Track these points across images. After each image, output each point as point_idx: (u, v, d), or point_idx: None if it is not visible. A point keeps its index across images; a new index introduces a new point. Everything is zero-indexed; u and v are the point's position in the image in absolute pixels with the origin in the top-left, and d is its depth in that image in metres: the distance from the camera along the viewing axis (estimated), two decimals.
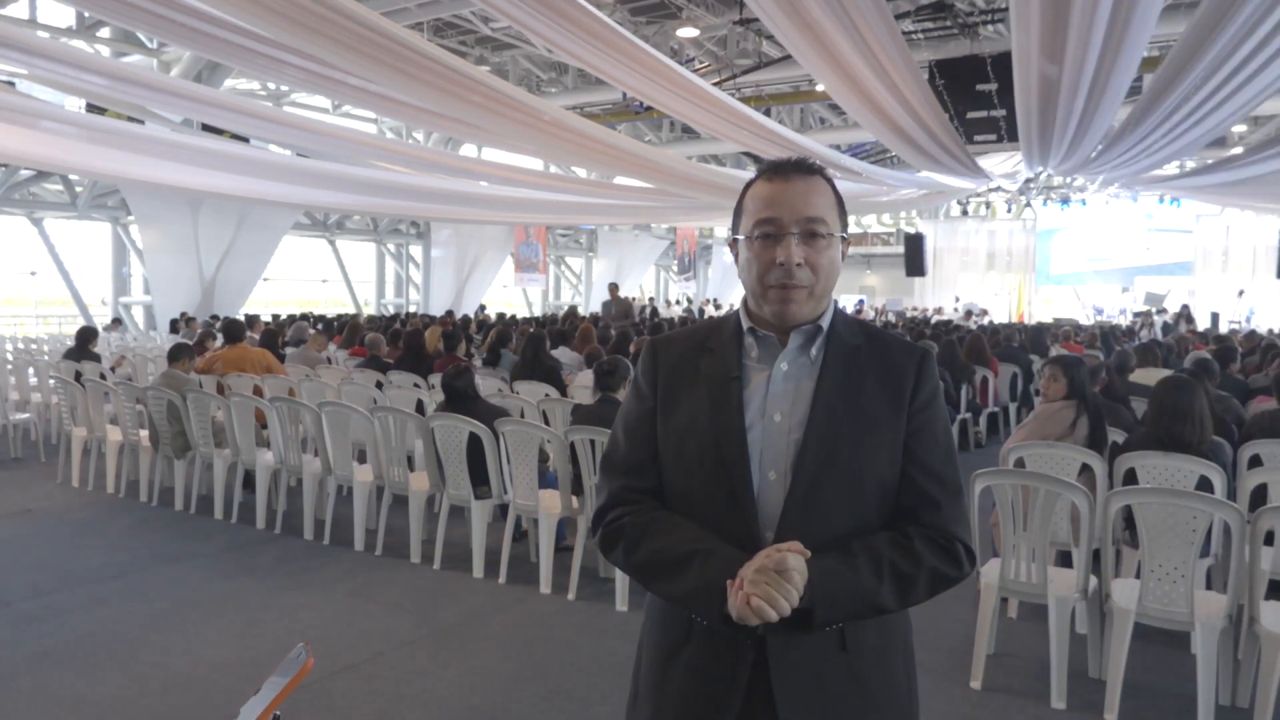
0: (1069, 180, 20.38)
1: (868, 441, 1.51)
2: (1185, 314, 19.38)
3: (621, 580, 4.67)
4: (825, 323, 1.57)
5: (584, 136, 8.96)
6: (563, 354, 9.44)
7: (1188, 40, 6.30)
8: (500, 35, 15.28)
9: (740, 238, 1.58)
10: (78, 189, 16.92)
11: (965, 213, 29.33)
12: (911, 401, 1.55)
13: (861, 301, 29.74)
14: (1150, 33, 6.52)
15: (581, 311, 25.88)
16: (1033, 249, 30.07)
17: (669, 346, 1.66)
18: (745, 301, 1.62)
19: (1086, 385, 4.59)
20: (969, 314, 24.59)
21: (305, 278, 23.45)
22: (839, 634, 1.49)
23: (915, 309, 26.75)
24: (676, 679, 1.56)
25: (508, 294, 28.03)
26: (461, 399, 5.39)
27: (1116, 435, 4.80)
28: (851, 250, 31.21)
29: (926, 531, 1.51)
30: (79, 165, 11.28)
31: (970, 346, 10.06)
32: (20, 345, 12.80)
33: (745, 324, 1.59)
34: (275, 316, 15.70)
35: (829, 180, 1.58)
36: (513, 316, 19.91)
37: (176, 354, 6.88)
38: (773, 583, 1.36)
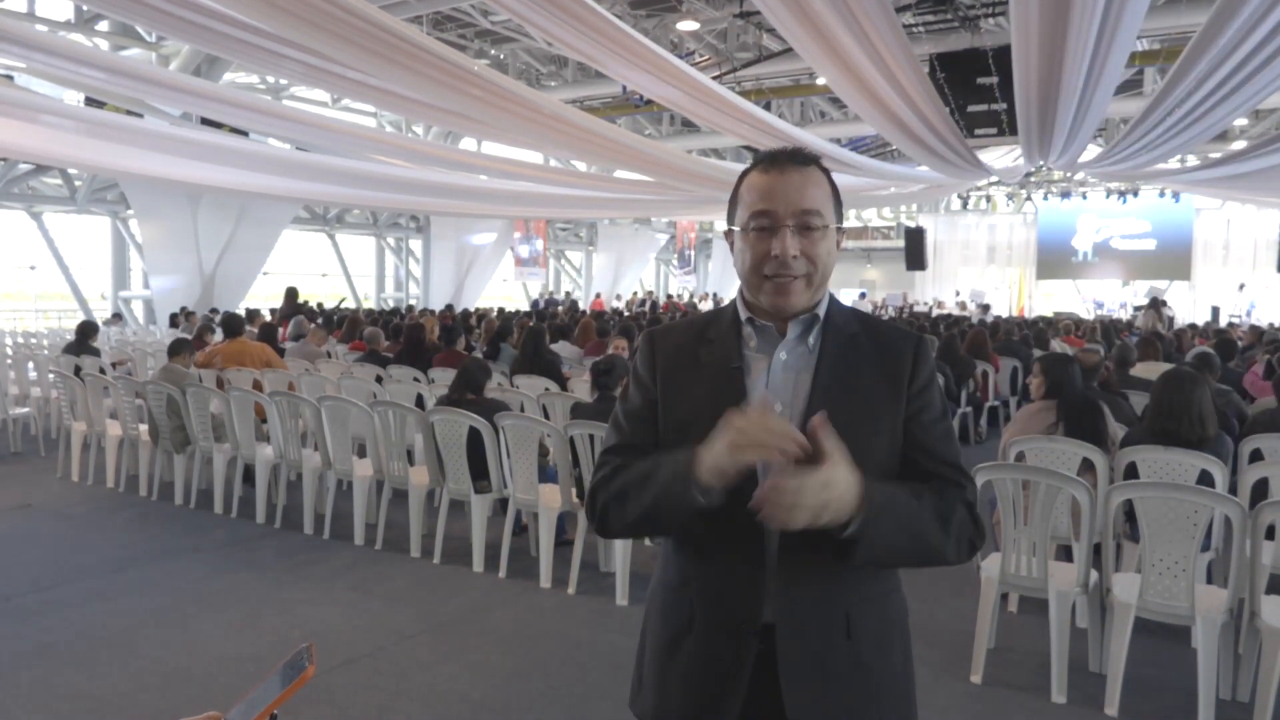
0: (1069, 174, 20.36)
1: (867, 428, 1.52)
2: (1155, 304, 18.95)
3: (622, 574, 4.66)
4: (821, 312, 1.58)
5: (583, 130, 8.94)
6: (563, 348, 9.44)
7: (1202, 36, 6.27)
8: (500, 29, 15.23)
9: (736, 228, 1.58)
10: (77, 183, 16.89)
11: (965, 206, 29.36)
12: (909, 386, 1.56)
13: (862, 295, 29.76)
14: (1141, 20, 6.51)
15: (582, 305, 25.93)
16: (1033, 242, 30.03)
17: (667, 337, 1.67)
18: (742, 292, 1.62)
19: (1068, 385, 4.54)
20: (984, 306, 24.53)
21: (305, 272, 23.42)
22: (844, 620, 1.51)
23: (904, 304, 26.40)
24: (680, 669, 1.57)
25: (508, 288, 28.03)
26: (468, 388, 5.36)
27: (1117, 429, 4.79)
28: (852, 244, 31.11)
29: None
30: (78, 159, 11.26)
31: (971, 341, 10.07)
32: (20, 340, 12.79)
33: (744, 314, 1.59)
34: (273, 311, 15.67)
35: (824, 170, 1.58)
36: (516, 310, 19.91)
37: (176, 349, 6.94)
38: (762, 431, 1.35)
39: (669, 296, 30.85)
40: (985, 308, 24.67)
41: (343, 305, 18.13)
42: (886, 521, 1.40)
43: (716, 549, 1.53)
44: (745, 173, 1.61)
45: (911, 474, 1.55)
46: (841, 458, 1.35)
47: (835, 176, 1.62)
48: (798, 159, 1.55)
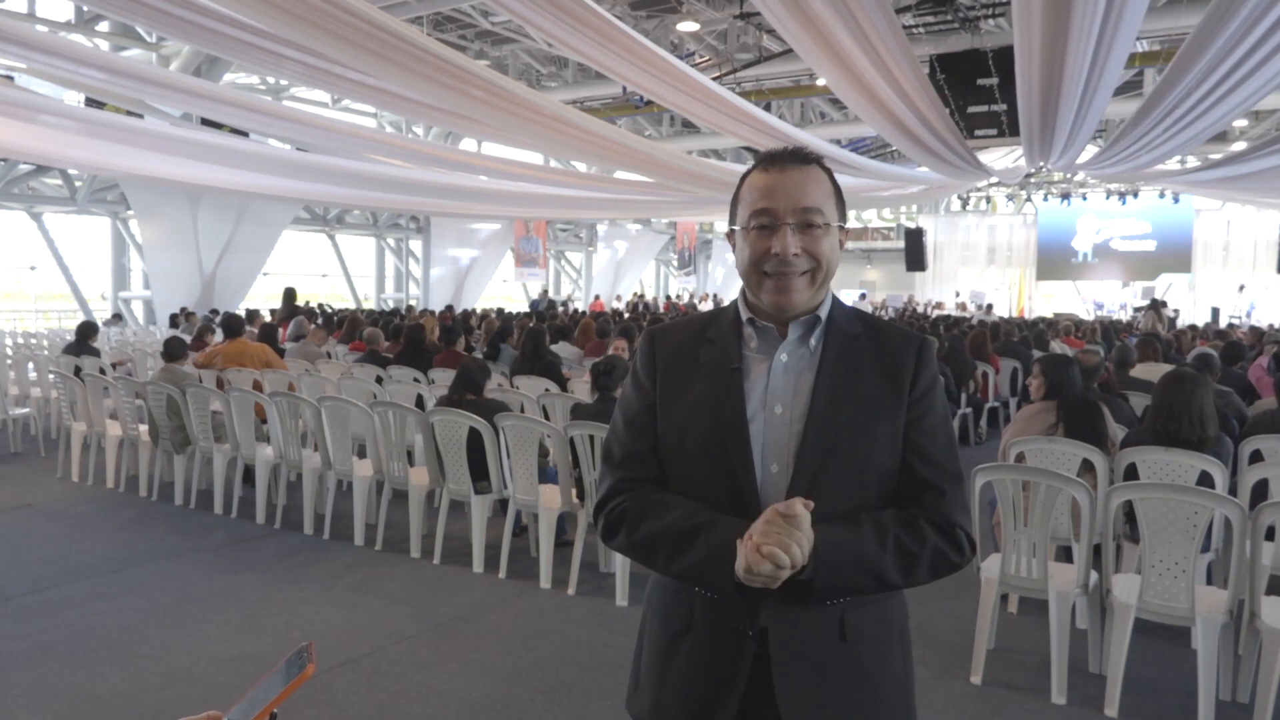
0: (1070, 175, 20.36)
1: (868, 432, 1.51)
2: (1155, 306, 19.02)
3: (622, 575, 4.66)
4: (824, 313, 1.57)
5: (584, 131, 8.94)
6: (562, 349, 9.44)
7: (1199, 34, 6.28)
8: (500, 29, 15.25)
9: (737, 228, 1.58)
10: (77, 183, 16.88)
11: (965, 207, 29.36)
12: (911, 390, 1.55)
13: (862, 295, 29.77)
14: (1141, 20, 6.52)
15: (581, 305, 25.94)
16: (1033, 243, 30.03)
17: (667, 337, 1.66)
18: (744, 292, 1.61)
19: (1067, 385, 4.54)
20: (987, 306, 24.48)
21: (305, 272, 23.42)
22: (839, 622, 1.50)
23: (906, 304, 26.34)
24: (678, 668, 1.57)
25: (508, 288, 28.01)
26: (468, 389, 5.35)
27: (1117, 430, 4.79)
28: (852, 245, 31.16)
29: (929, 515, 1.51)
30: (78, 159, 11.26)
31: (972, 341, 10.07)
32: (20, 340, 12.79)
33: (745, 314, 1.59)
34: (273, 311, 15.67)
35: (826, 169, 1.57)
36: (515, 312, 19.89)
37: (173, 351, 6.91)
38: (784, 530, 1.36)
39: (668, 297, 30.82)
40: (988, 307, 24.66)
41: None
42: (842, 572, 1.43)
43: None
44: (747, 173, 1.60)
45: (906, 479, 1.54)
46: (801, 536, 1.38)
47: (835, 177, 1.62)
48: (799, 158, 1.55)
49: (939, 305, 27.00)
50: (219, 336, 9.27)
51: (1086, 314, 25.60)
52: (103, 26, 13.99)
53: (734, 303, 1.64)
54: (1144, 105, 8.91)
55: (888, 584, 1.47)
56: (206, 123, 10.81)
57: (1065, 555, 4.28)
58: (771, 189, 1.52)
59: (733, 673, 1.50)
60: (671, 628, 1.59)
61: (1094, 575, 3.74)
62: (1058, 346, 11.38)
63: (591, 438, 4.69)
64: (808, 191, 1.52)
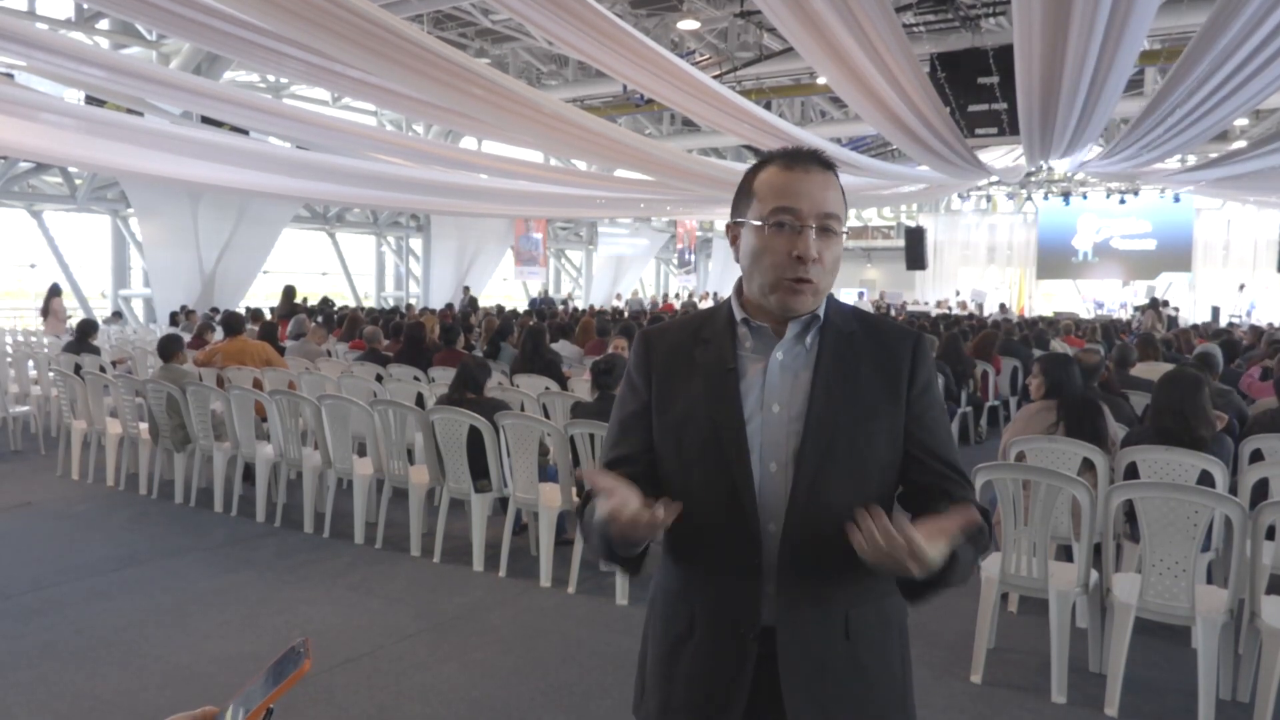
0: (1070, 174, 20.36)
1: (867, 429, 1.51)
2: (1154, 305, 19.06)
3: (622, 574, 4.66)
4: (820, 311, 1.56)
5: (584, 129, 8.94)
6: (563, 347, 9.44)
7: (1204, 34, 6.27)
8: (500, 28, 15.22)
9: (743, 221, 1.55)
10: (77, 181, 16.87)
11: (964, 200, 29.30)
12: (909, 388, 1.55)
13: (862, 294, 29.76)
14: (1150, 21, 6.51)
15: (581, 305, 25.93)
16: (1033, 242, 30.00)
17: (662, 338, 1.65)
18: (737, 291, 1.60)
19: (1067, 385, 4.54)
20: (980, 307, 24.43)
21: (305, 271, 23.40)
22: (843, 621, 1.50)
23: (881, 301, 26.11)
24: (682, 673, 1.57)
25: (508, 287, 27.98)
26: (468, 387, 5.35)
27: (1118, 429, 4.78)
28: (852, 244, 31.06)
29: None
30: (78, 157, 11.25)
31: (980, 341, 10.09)
32: (20, 338, 12.78)
33: (739, 314, 1.58)
34: (273, 309, 15.65)
35: (837, 177, 1.58)
36: (514, 310, 19.88)
37: (169, 350, 6.87)
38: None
39: (665, 297, 30.79)
40: (980, 307, 24.60)
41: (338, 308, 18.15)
42: (954, 571, 1.43)
43: (714, 554, 1.52)
44: (761, 167, 1.57)
45: (915, 475, 1.55)
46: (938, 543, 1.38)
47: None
48: (821, 161, 1.54)
49: (941, 303, 26.93)
50: (219, 334, 9.27)
51: (1087, 313, 25.58)
52: (103, 24, 13.97)
53: (727, 301, 1.62)
54: (1148, 108, 8.91)
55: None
56: (207, 121, 10.80)
57: (1065, 554, 4.28)
58: (795, 190, 1.50)
59: (737, 674, 1.50)
60: (674, 633, 1.59)
61: (1094, 574, 3.74)
62: (1058, 345, 11.37)
63: (592, 436, 4.69)
64: (829, 196, 1.51)
